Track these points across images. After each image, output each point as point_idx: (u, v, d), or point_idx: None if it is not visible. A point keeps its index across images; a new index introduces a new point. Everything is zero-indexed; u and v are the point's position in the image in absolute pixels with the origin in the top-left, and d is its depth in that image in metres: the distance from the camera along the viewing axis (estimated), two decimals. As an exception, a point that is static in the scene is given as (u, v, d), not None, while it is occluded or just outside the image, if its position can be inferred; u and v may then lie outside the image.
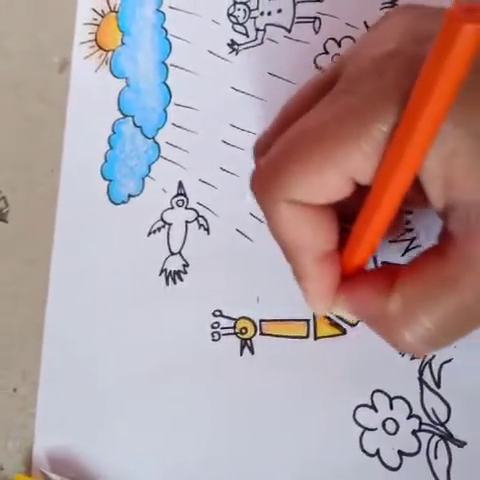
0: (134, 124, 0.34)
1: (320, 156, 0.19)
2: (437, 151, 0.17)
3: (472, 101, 0.17)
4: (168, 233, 0.32)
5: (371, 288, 0.21)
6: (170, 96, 0.33)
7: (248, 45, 0.33)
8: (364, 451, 0.27)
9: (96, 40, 0.35)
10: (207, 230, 0.31)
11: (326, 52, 0.31)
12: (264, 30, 0.33)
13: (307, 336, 0.29)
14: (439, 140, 0.17)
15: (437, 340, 0.20)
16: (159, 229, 0.32)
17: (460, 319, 0.19)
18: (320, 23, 0.32)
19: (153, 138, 0.33)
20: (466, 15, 0.14)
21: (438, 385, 0.27)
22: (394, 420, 0.27)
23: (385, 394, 0.27)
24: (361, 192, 0.20)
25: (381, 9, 0.31)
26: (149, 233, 0.32)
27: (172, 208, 0.32)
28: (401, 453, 0.26)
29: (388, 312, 0.20)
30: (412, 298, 0.19)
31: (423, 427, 0.26)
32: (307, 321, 0.29)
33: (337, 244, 0.22)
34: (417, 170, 0.18)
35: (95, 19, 0.36)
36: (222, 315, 0.30)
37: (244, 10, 0.33)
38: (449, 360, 0.27)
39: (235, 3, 0.33)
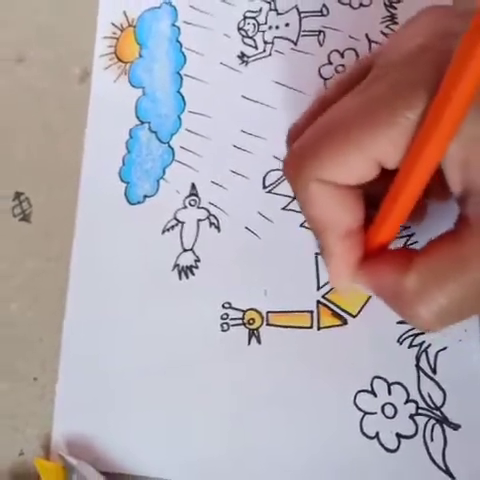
0: (150, 130, 0.36)
1: (348, 140, 0.20)
2: (459, 137, 0.18)
3: None
4: (181, 231, 0.34)
5: (390, 266, 0.22)
6: (184, 104, 0.36)
7: (257, 57, 0.35)
8: (364, 434, 0.28)
9: (115, 53, 0.38)
10: (218, 228, 0.33)
11: (330, 63, 0.33)
12: (272, 43, 0.35)
13: (311, 326, 0.30)
14: (462, 127, 0.18)
15: (450, 316, 0.21)
16: (173, 227, 0.34)
17: (472, 297, 0.20)
18: (324, 36, 0.34)
19: (168, 143, 0.35)
20: None
21: (434, 371, 0.28)
22: (392, 405, 0.28)
23: (384, 380, 0.29)
24: (386, 176, 0.21)
25: (381, 23, 0.33)
26: (163, 231, 0.34)
27: (185, 208, 0.34)
28: (399, 436, 0.28)
29: (405, 288, 0.21)
30: (428, 275, 0.20)
31: (420, 411, 0.28)
32: (311, 312, 0.30)
33: (362, 224, 0.23)
34: (443, 155, 0.19)
35: (114, 33, 0.38)
36: (231, 307, 0.32)
37: (253, 24, 0.35)
38: (444, 348, 0.28)
39: (245, 18, 0.36)
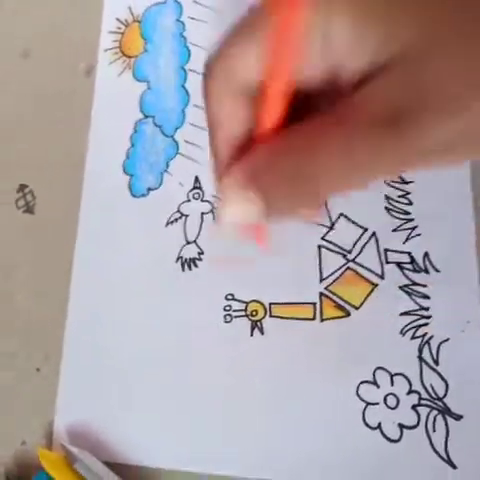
0: (154, 124, 0.36)
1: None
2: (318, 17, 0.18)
3: None
4: (185, 224, 0.34)
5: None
6: (188, 98, 0.36)
7: (261, 52, 0.35)
8: (367, 424, 0.28)
9: (120, 47, 0.38)
10: (221, 220, 0.33)
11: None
12: (276, 38, 0.35)
13: (314, 318, 0.30)
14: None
15: None
16: (176, 220, 0.34)
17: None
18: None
19: (172, 136, 0.36)
20: None
21: (436, 363, 0.28)
22: (395, 395, 0.28)
23: (386, 371, 0.29)
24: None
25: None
26: (167, 223, 0.34)
27: (189, 201, 0.34)
28: (401, 426, 0.28)
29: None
30: None
31: (422, 402, 0.28)
32: (314, 304, 0.31)
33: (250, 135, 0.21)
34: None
35: (119, 28, 0.39)
36: (234, 299, 0.32)
37: (258, 19, 0.36)
38: (447, 339, 0.28)
39: (250, 13, 0.36)
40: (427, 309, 0.29)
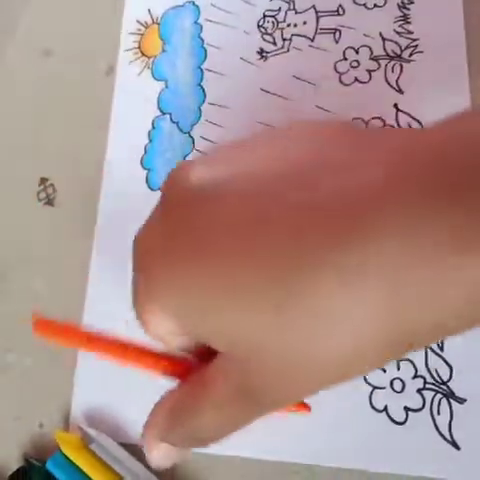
0: (172, 120, 0.38)
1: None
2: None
3: None
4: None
5: None
6: (205, 96, 0.37)
7: (276, 52, 0.37)
8: (373, 407, 0.30)
9: (139, 48, 0.40)
10: (235, 213, 0.35)
11: (345, 59, 0.35)
12: (290, 40, 0.37)
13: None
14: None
15: None
16: (192, 212, 0.35)
17: None
18: (340, 34, 0.36)
19: (188, 133, 0.37)
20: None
21: (441, 349, 0.29)
22: (401, 380, 0.30)
23: (393, 356, 0.30)
24: None
25: (394, 22, 0.35)
26: (183, 215, 0.35)
27: (204, 193, 0.35)
28: (407, 409, 0.29)
29: None
30: None
31: (427, 386, 0.29)
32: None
33: None
34: None
35: (139, 29, 0.40)
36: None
37: (273, 22, 0.37)
38: (451, 327, 0.30)
39: (265, 16, 0.37)
40: (433, 297, 0.30)
